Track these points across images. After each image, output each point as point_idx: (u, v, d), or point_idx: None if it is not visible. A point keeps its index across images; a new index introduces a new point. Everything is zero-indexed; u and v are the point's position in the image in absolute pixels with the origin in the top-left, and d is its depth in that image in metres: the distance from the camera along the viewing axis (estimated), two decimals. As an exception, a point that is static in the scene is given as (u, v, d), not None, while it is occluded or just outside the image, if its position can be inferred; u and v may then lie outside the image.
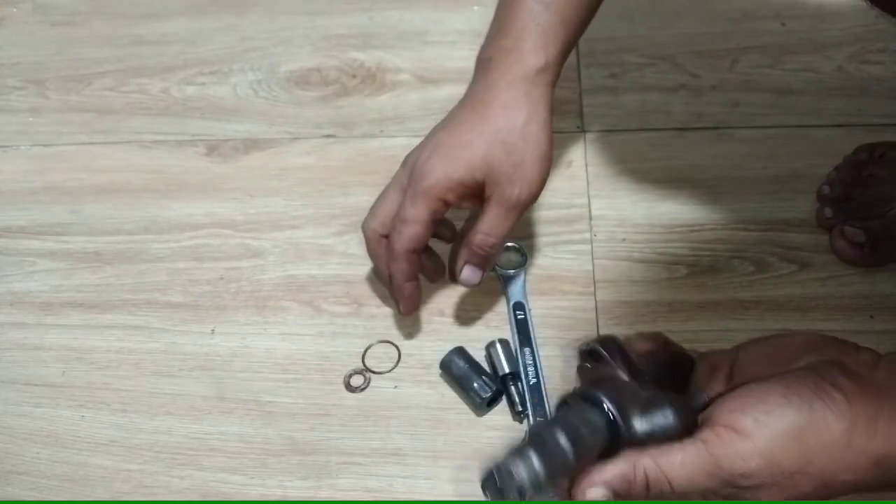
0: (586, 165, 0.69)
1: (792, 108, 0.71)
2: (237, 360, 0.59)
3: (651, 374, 0.43)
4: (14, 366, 0.60)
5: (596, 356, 0.44)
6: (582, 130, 0.72)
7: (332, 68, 0.81)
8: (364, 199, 0.68)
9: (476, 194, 0.51)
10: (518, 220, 0.51)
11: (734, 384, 0.41)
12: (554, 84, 0.52)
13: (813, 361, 0.39)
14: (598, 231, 0.64)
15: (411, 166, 0.52)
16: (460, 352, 0.55)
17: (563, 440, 0.38)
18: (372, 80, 0.79)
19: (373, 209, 0.54)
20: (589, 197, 0.66)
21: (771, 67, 0.75)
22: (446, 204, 0.51)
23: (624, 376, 0.42)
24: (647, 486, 0.37)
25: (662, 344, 0.47)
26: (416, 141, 0.71)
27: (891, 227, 0.59)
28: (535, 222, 0.65)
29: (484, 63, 0.52)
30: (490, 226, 0.50)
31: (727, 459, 0.36)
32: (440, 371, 0.56)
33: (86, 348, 0.60)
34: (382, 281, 0.55)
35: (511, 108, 0.50)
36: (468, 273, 0.52)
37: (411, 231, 0.50)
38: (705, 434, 0.37)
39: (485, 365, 0.56)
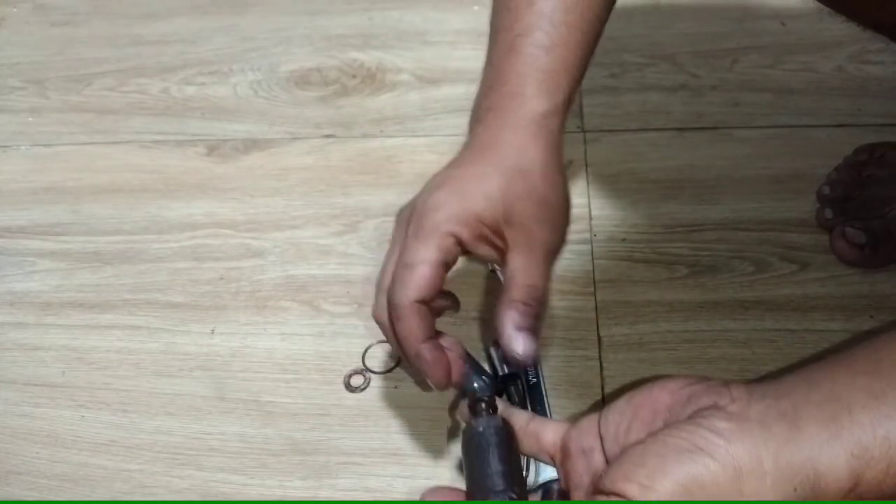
0: (586, 165, 0.69)
1: (792, 108, 0.71)
2: (237, 360, 0.59)
3: None
4: (14, 366, 0.60)
5: None
6: (582, 130, 0.72)
7: (332, 68, 0.81)
8: (364, 198, 0.68)
9: (493, 237, 0.43)
10: (554, 266, 0.43)
11: (614, 456, 0.39)
12: (562, 131, 0.46)
13: (693, 412, 0.37)
14: (598, 231, 0.64)
15: (410, 210, 0.43)
16: (460, 352, 0.55)
17: None
18: (372, 80, 0.79)
19: (378, 286, 0.44)
20: (589, 197, 0.66)
21: (771, 67, 0.75)
22: (459, 243, 0.42)
23: None
24: None
25: None
26: (416, 141, 0.71)
27: (891, 227, 0.59)
28: (535, 222, 0.65)
29: (483, 113, 0.46)
30: (530, 274, 0.41)
31: None
32: (440, 371, 0.56)
33: (86, 348, 0.60)
34: (411, 361, 0.44)
35: (523, 149, 0.43)
36: (524, 343, 0.41)
37: (417, 275, 0.41)
38: (599, 497, 0.35)
39: (485, 365, 0.56)
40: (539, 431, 0.43)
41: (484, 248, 0.43)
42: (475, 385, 0.53)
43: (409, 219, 0.43)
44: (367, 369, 0.57)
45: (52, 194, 0.72)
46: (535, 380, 0.55)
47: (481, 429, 0.41)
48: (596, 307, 0.59)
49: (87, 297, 0.64)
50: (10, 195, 0.72)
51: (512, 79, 0.45)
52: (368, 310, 0.60)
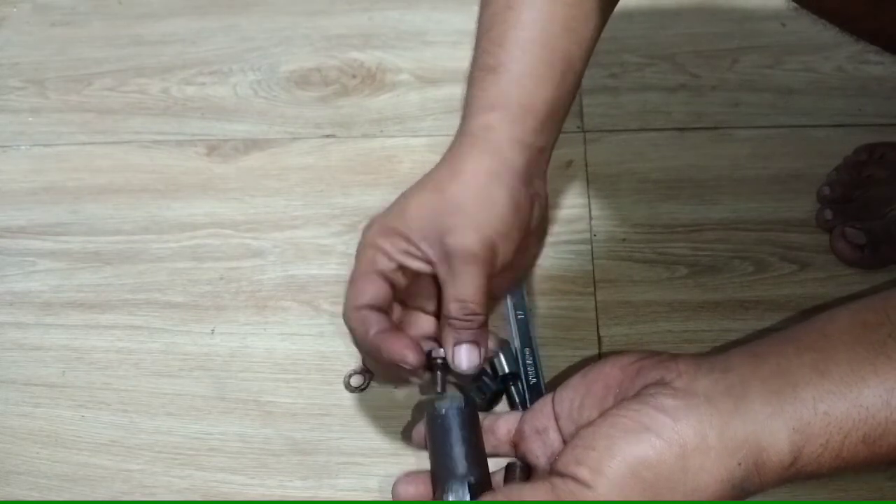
0: (586, 165, 0.69)
1: (792, 108, 0.71)
2: (237, 360, 0.59)
3: None
4: (14, 366, 0.60)
5: None
6: (582, 130, 0.72)
7: (332, 68, 0.81)
8: (364, 199, 0.68)
9: (420, 252, 0.44)
10: (488, 274, 0.43)
11: (570, 434, 0.40)
12: (523, 143, 0.45)
13: (641, 387, 0.38)
14: (598, 231, 0.64)
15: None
16: (460, 352, 0.55)
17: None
18: (372, 80, 0.79)
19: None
20: (589, 197, 0.66)
21: (771, 67, 0.75)
22: (387, 255, 0.44)
23: None
24: None
25: None
26: (416, 141, 0.71)
27: (891, 228, 0.59)
28: (535, 222, 0.65)
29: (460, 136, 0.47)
30: (456, 289, 0.43)
31: None
32: (440, 371, 0.56)
33: (86, 348, 0.60)
34: (376, 357, 0.44)
35: (446, 164, 0.45)
36: (466, 357, 0.43)
37: (354, 287, 0.44)
38: (554, 479, 0.36)
39: (485, 365, 0.56)
40: (492, 427, 0.44)
41: (414, 261, 0.44)
42: (474, 385, 0.54)
43: None
44: (367, 369, 0.57)
45: (51, 194, 0.72)
46: (535, 380, 0.55)
47: (444, 411, 0.41)
48: (596, 307, 0.59)
49: (87, 297, 0.64)
50: (10, 195, 0.72)
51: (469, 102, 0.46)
52: (368, 310, 0.60)
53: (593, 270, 0.61)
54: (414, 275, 0.45)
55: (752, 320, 0.57)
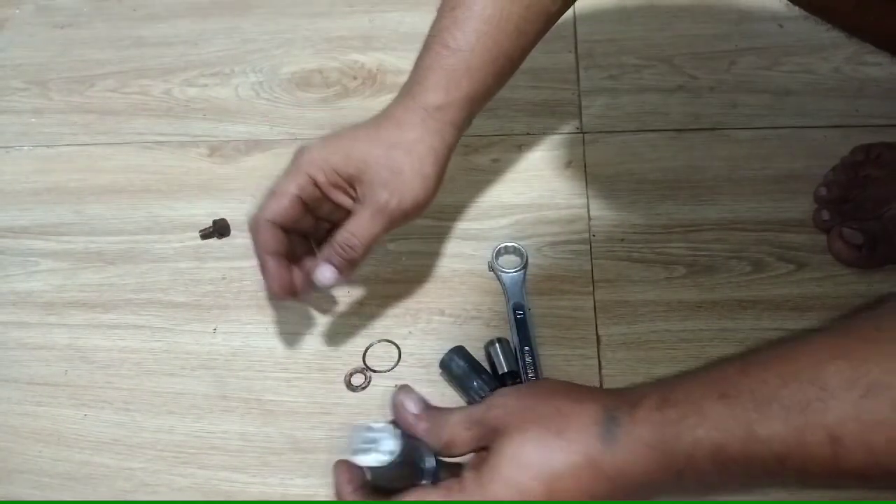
0: (585, 166, 0.69)
1: (789, 109, 0.72)
2: (239, 359, 0.59)
3: None
4: (17, 365, 0.60)
5: None
6: (581, 131, 0.72)
7: (333, 70, 0.81)
8: (365, 199, 0.68)
9: (346, 187, 0.51)
10: (386, 228, 0.51)
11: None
12: (458, 126, 0.53)
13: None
14: (597, 231, 0.64)
15: (296, 153, 0.53)
16: (460, 351, 0.56)
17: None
18: (373, 81, 0.79)
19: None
20: (588, 197, 0.67)
21: (768, 69, 0.76)
22: (316, 184, 0.51)
23: None
24: None
25: None
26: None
27: (888, 227, 0.59)
28: (535, 222, 0.65)
29: (398, 95, 0.54)
30: (356, 226, 0.50)
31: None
32: (440, 370, 0.56)
33: (88, 348, 0.61)
34: (260, 269, 0.52)
35: (403, 126, 0.51)
36: (323, 270, 0.50)
37: (275, 201, 0.51)
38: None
39: (485, 364, 0.56)
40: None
41: (339, 195, 0.52)
42: (474, 384, 0.54)
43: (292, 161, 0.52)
44: (368, 368, 0.57)
45: (54, 195, 0.72)
46: (533, 377, 0.55)
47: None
48: (595, 307, 0.59)
49: (90, 297, 0.64)
50: (13, 195, 0.72)
51: (418, 72, 0.53)
52: (369, 310, 0.61)
53: (592, 270, 0.62)
54: (329, 200, 0.52)
55: (750, 320, 0.58)
